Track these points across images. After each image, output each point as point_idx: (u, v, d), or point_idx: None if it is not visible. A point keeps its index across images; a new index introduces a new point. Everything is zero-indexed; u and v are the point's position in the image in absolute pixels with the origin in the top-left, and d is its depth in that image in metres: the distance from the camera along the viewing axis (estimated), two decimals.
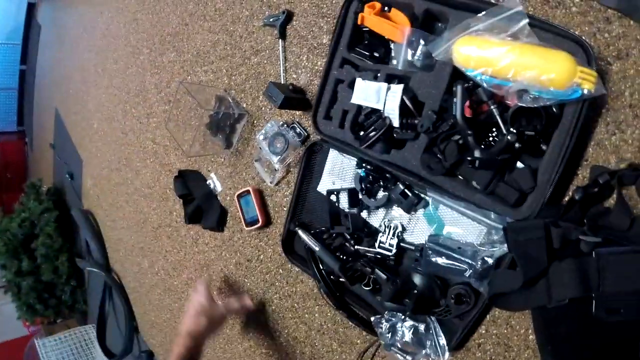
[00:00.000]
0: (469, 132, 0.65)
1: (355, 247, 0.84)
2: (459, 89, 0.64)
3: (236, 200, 1.05)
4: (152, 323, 1.65)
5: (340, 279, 0.88)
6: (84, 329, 2.57)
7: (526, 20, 0.58)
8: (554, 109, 0.60)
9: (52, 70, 3.03)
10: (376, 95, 0.75)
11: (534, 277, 0.61)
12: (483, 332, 0.76)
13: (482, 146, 0.65)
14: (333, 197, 0.86)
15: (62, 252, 2.39)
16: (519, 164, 0.66)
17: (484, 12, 0.61)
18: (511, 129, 0.62)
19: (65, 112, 2.53)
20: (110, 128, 1.78)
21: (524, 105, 0.59)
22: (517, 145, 0.62)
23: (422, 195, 0.78)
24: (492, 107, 0.63)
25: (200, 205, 1.17)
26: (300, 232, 0.89)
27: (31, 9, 3.68)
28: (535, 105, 0.59)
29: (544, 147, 0.63)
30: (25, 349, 3.10)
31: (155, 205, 1.45)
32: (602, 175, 0.60)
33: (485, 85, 0.61)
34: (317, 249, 0.86)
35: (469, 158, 0.65)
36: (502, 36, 0.59)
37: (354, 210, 0.83)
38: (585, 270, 0.57)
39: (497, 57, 0.58)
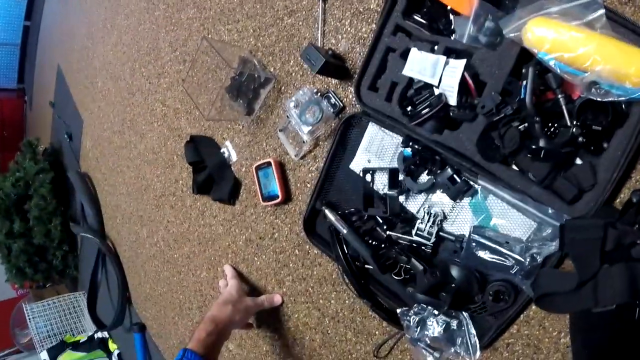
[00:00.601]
0: (537, 119, 0.59)
1: (388, 232, 0.76)
2: (530, 72, 0.59)
3: (254, 172, 0.96)
4: (146, 295, 1.58)
5: (366, 266, 0.80)
6: (73, 296, 2.51)
7: (603, 11, 0.54)
8: (623, 106, 0.56)
9: (57, 26, 2.90)
10: (432, 69, 0.67)
11: (585, 280, 0.57)
12: (514, 332, 0.72)
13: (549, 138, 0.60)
14: (368, 177, 0.78)
15: (55, 215, 2.30)
16: (578, 160, 0.61)
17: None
18: (576, 122, 0.57)
19: (68, 70, 2.41)
20: (116, 87, 1.68)
21: (592, 98, 0.55)
22: (581, 139, 0.57)
23: (472, 183, 0.70)
24: (559, 95, 0.58)
25: (211, 174, 1.08)
26: (327, 211, 0.81)
27: None
28: (604, 100, 0.55)
29: (605, 145, 0.59)
30: (12, 312, 3.05)
31: (159, 172, 1.36)
32: None
33: (558, 71, 0.56)
34: (344, 231, 0.78)
35: (533, 147, 0.60)
36: (576, 23, 0.55)
37: (393, 193, 0.75)
38: (635, 277, 0.54)
39: (576, 43, 0.54)
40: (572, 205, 0.61)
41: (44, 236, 2.30)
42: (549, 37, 0.56)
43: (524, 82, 0.59)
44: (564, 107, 0.58)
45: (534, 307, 0.68)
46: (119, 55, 1.68)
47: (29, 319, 2.34)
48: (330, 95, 0.85)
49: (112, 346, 2.20)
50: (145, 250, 1.49)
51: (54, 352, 2.36)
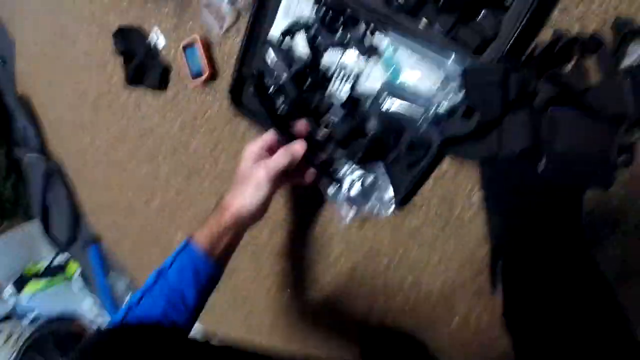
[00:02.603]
0: None
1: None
2: None
3: (181, 52, 0.97)
4: (97, 204, 1.60)
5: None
6: (29, 225, 2.49)
7: None
8: None
9: None
10: None
11: (488, 124, 0.61)
12: (430, 187, 0.77)
13: None
14: (288, 39, 0.80)
15: None
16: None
17: None
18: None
19: None
20: None
21: None
22: None
23: (381, 40, 0.74)
24: None
25: (141, 63, 1.08)
26: (270, 50, 0.80)
27: None
28: None
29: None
30: None
31: (94, 73, 1.34)
32: (564, 37, 0.60)
33: None
34: (283, 76, 0.79)
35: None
36: None
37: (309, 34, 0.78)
38: (538, 126, 0.57)
39: None
40: (476, 54, 0.64)
41: None
42: None
43: None
44: None
45: (446, 162, 0.73)
46: None
47: None
48: None
49: (74, 266, 2.24)
50: (89, 157, 1.50)
51: (19, 284, 2.39)
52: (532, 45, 0.63)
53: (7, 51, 2.10)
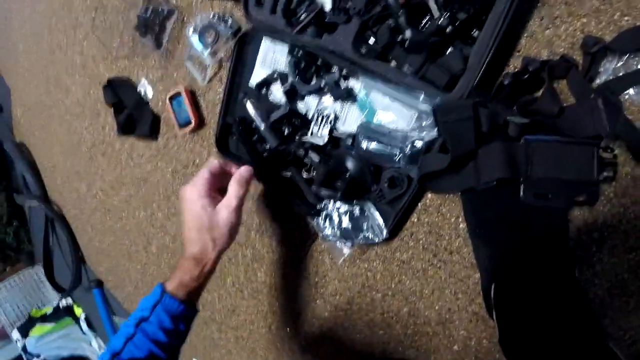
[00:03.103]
0: (401, 11, 0.64)
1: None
2: None
3: (168, 103, 1.00)
4: (97, 250, 1.62)
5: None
6: (32, 270, 2.50)
7: None
8: None
9: None
10: None
11: (462, 158, 0.62)
12: (415, 220, 0.78)
13: (415, 29, 0.64)
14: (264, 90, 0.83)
15: None
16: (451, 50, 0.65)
17: None
18: (444, 12, 0.61)
19: None
20: (37, 47, 1.64)
21: None
22: (449, 28, 0.62)
23: (355, 83, 0.76)
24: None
25: (131, 113, 1.11)
26: (248, 102, 0.85)
27: None
28: None
29: (476, 34, 0.62)
30: None
31: (87, 123, 1.37)
32: (533, 63, 0.60)
33: None
34: (262, 126, 0.82)
35: (399, 39, 0.65)
36: None
37: (286, 86, 0.81)
38: (513, 154, 0.58)
39: None
40: (446, 92, 0.65)
41: None
42: None
43: None
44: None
45: (429, 195, 0.74)
46: (35, 15, 1.62)
47: None
48: (227, 17, 0.88)
49: (78, 310, 2.24)
50: (87, 204, 1.52)
51: (24, 329, 2.39)
52: (502, 75, 0.63)
53: (4, 98, 2.16)
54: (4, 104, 2.15)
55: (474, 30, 0.63)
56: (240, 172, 0.76)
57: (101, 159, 1.35)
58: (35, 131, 1.82)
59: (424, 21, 0.66)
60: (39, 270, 2.48)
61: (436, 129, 0.66)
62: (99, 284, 1.76)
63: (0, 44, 2.07)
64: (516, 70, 0.62)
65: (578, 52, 0.58)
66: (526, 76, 0.61)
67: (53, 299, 2.42)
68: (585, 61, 0.58)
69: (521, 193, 0.57)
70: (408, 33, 0.64)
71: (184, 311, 0.71)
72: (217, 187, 0.77)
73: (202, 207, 0.73)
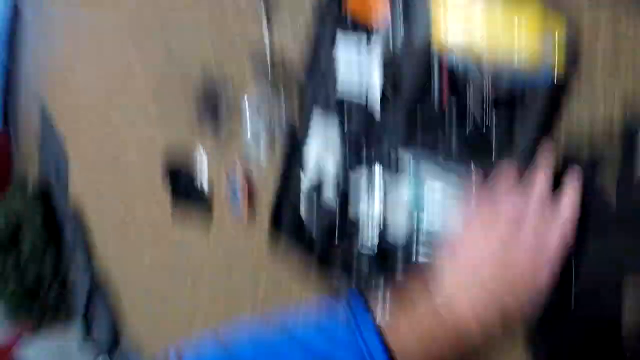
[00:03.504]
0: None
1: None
2: (436, 74, 0.66)
3: (223, 186, 1.06)
4: (140, 318, 1.64)
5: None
6: (68, 331, 2.53)
7: None
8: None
9: (38, 68, 2.98)
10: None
11: None
12: None
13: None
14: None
15: (47, 252, 2.35)
16: None
17: None
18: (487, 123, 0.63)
19: (52, 109, 2.50)
20: (100, 123, 1.77)
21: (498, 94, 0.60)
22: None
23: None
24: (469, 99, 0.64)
25: (188, 197, 1.17)
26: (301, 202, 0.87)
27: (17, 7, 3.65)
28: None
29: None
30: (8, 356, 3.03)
31: (143, 199, 1.44)
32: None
33: (468, 70, 0.62)
34: (313, 229, 0.85)
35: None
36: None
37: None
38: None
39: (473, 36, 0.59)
40: None
41: (37, 274, 2.34)
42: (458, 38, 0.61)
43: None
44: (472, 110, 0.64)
45: None
46: (101, 92, 1.76)
47: None
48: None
49: None
50: (135, 276, 1.57)
51: None
52: None
53: (63, 167, 2.29)
54: (62, 171, 2.28)
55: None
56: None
57: (154, 234, 1.40)
58: (90, 199, 1.93)
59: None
60: (74, 333, 2.51)
61: None
62: (138, 349, 1.77)
63: (64, 117, 2.25)
64: None
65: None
66: None
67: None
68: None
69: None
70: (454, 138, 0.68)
71: None
72: None
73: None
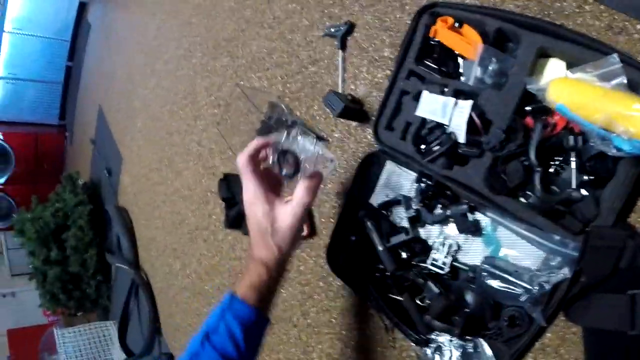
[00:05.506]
0: (538, 169, 0.65)
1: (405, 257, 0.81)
2: (538, 127, 0.64)
3: None
4: (176, 326, 1.64)
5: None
6: (104, 325, 2.59)
7: (624, 78, 0.57)
8: None
9: (98, 68, 3.12)
10: (442, 110, 0.73)
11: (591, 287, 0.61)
12: None
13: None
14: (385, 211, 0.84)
15: (92, 246, 2.42)
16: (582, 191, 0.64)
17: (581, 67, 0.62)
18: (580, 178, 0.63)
19: (108, 109, 2.60)
20: (155, 128, 1.81)
21: (606, 152, 0.58)
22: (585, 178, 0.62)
23: (483, 218, 0.75)
24: (572, 159, 0.63)
25: (242, 210, 1.16)
26: (369, 222, 0.84)
27: (82, 8, 3.87)
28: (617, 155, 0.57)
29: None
30: (42, 337, 3.15)
31: (194, 207, 1.45)
32: None
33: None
34: (380, 248, 0.82)
35: (528, 193, 0.67)
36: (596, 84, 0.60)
37: (411, 212, 0.81)
38: None
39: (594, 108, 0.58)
40: (578, 235, 0.63)
41: (80, 265, 2.43)
42: (575, 101, 0.60)
43: (532, 134, 0.65)
44: (573, 169, 0.63)
45: (549, 334, 0.70)
46: (158, 98, 1.81)
47: (60, 344, 2.42)
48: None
49: None
50: (177, 282, 1.57)
51: None
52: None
53: (114, 164, 2.37)
54: (115, 169, 2.36)
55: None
56: (311, 179, 0.69)
57: (202, 243, 1.40)
58: (139, 201, 1.96)
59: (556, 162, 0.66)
60: (110, 327, 2.57)
61: (564, 271, 0.65)
62: (170, 357, 1.77)
63: (119, 119, 2.33)
64: None
65: None
66: None
67: (116, 358, 2.46)
68: None
69: None
70: (538, 192, 0.66)
71: (255, 317, 0.63)
72: (274, 184, 0.72)
73: (264, 214, 0.68)
